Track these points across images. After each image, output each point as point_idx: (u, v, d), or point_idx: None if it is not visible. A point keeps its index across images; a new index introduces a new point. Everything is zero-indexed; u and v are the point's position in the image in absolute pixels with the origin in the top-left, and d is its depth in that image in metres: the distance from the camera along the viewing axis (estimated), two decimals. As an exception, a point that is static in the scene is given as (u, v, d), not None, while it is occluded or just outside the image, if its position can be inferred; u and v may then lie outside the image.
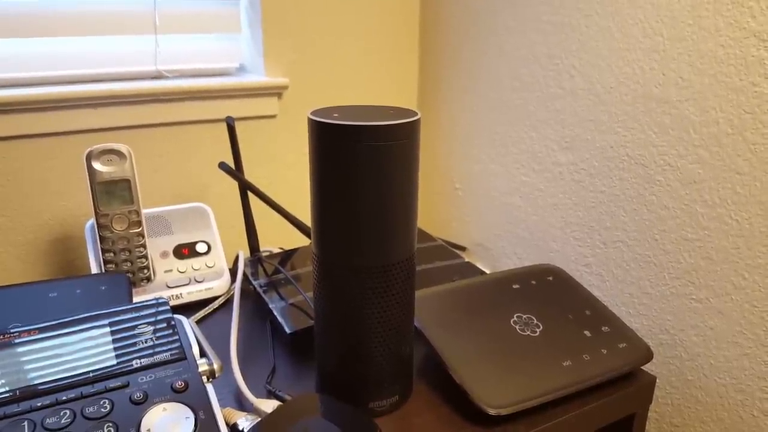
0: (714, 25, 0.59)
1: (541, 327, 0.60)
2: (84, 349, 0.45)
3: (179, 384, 0.44)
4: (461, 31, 0.90)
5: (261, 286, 0.70)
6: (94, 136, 0.78)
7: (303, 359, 0.63)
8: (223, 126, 0.86)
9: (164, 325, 0.48)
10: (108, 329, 0.47)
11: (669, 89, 0.64)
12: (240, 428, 0.50)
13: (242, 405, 0.56)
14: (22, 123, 0.72)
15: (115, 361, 0.44)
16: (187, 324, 0.50)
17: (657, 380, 0.71)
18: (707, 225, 0.63)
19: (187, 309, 0.72)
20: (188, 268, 0.74)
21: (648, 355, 0.59)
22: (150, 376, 0.44)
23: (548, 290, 0.65)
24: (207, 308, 0.72)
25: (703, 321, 0.65)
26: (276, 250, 0.82)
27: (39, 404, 0.41)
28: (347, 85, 0.95)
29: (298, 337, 0.62)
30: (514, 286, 0.65)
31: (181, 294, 0.72)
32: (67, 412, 0.41)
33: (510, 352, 0.56)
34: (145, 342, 0.46)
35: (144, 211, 0.74)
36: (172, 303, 0.72)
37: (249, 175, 0.90)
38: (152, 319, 0.48)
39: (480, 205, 0.93)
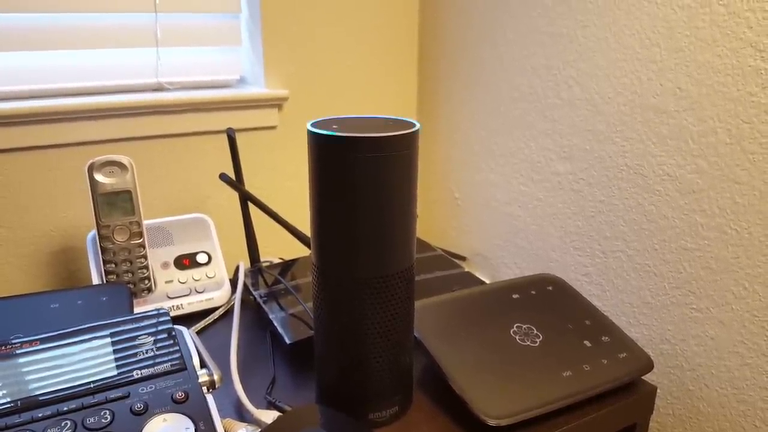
0: (711, 35, 0.59)
1: (541, 337, 0.60)
2: (85, 360, 0.45)
3: (179, 395, 0.44)
4: (460, 41, 0.91)
5: (261, 297, 0.70)
6: (96, 147, 0.78)
7: (303, 370, 0.63)
8: (224, 137, 0.87)
9: (165, 335, 0.48)
10: (109, 340, 0.47)
11: (667, 99, 0.64)
12: (240, 439, 0.50)
13: (242, 416, 0.56)
14: (25, 135, 0.73)
15: (115, 372, 0.45)
16: (188, 334, 0.50)
17: (658, 390, 0.70)
18: (707, 234, 0.63)
19: (188, 319, 0.72)
20: (189, 279, 0.74)
21: (649, 365, 0.59)
22: (150, 387, 0.44)
23: (548, 300, 0.66)
24: (207, 319, 0.72)
25: (703, 331, 0.65)
26: (276, 261, 0.82)
27: (40, 415, 0.41)
28: (347, 97, 0.96)
29: (298, 348, 0.62)
30: (514, 296, 0.65)
31: (181, 304, 0.72)
32: (68, 422, 0.41)
33: (510, 363, 0.56)
34: (146, 353, 0.47)
35: (145, 222, 0.74)
36: (173, 313, 0.72)
37: (249, 186, 0.90)
38: (153, 330, 0.49)
39: (479, 215, 0.93)
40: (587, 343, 0.60)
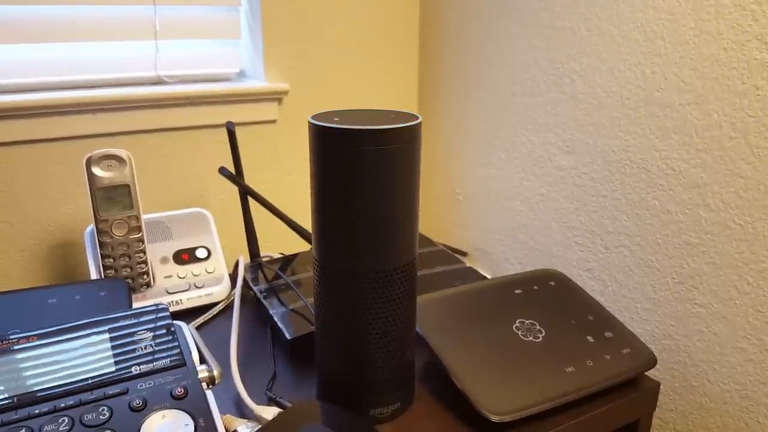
0: (716, 28, 0.59)
1: (544, 333, 0.60)
2: (83, 356, 0.45)
3: (179, 391, 0.43)
4: (461, 35, 0.90)
5: (261, 292, 0.70)
6: (94, 141, 0.77)
7: (303, 365, 0.63)
8: (224, 131, 0.86)
9: (164, 331, 0.48)
10: (107, 335, 0.46)
11: (671, 93, 0.64)
12: (240, 435, 0.50)
13: (242, 412, 0.55)
14: (22, 128, 0.72)
15: (114, 368, 0.44)
16: (187, 330, 0.50)
17: (661, 386, 0.70)
18: (710, 229, 0.63)
19: (187, 315, 0.72)
20: (188, 274, 0.74)
21: (652, 361, 0.59)
22: (149, 383, 0.44)
23: (550, 295, 0.65)
24: (207, 314, 0.72)
25: (707, 326, 0.64)
26: (276, 256, 0.82)
27: (37, 411, 0.41)
28: (347, 90, 0.95)
29: (299, 343, 0.62)
30: (516, 292, 0.65)
31: (180, 300, 0.72)
32: (66, 419, 0.40)
33: (512, 358, 0.56)
34: (145, 348, 0.46)
35: (144, 217, 0.73)
36: (172, 309, 0.71)
37: (249, 181, 0.90)
38: (152, 325, 0.48)
39: (481, 210, 0.93)
40: (590, 338, 0.60)
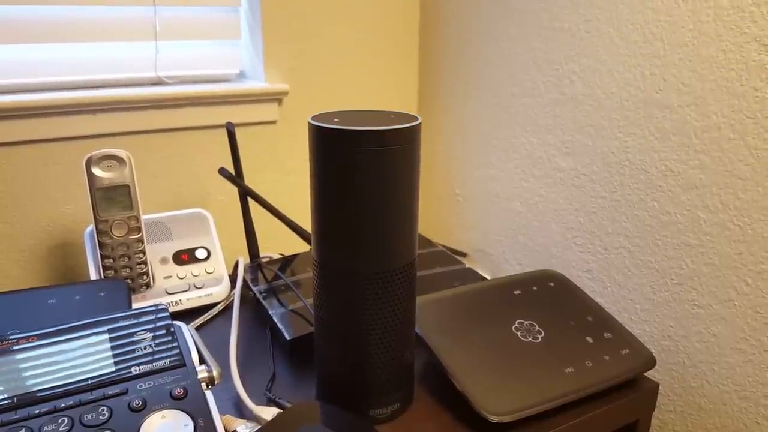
0: (714, 30, 0.59)
1: (543, 333, 0.60)
2: (83, 356, 0.45)
3: (178, 391, 0.43)
4: (461, 36, 0.90)
5: (261, 293, 0.70)
6: (94, 141, 0.77)
7: (303, 366, 0.63)
8: (223, 132, 0.86)
9: (163, 331, 0.48)
10: (107, 336, 0.46)
11: (670, 94, 0.64)
12: (240, 436, 0.50)
13: (242, 412, 0.55)
14: (22, 129, 0.72)
15: (113, 368, 0.44)
16: (187, 330, 0.50)
17: (660, 387, 0.70)
18: (709, 231, 0.63)
19: (187, 315, 0.72)
20: (188, 274, 0.74)
21: (651, 362, 0.59)
22: (149, 383, 0.44)
23: (550, 296, 0.65)
24: (206, 314, 0.72)
25: (706, 327, 0.65)
26: (276, 256, 0.82)
27: (37, 411, 0.41)
28: (347, 91, 0.95)
29: (298, 344, 0.62)
30: (516, 292, 0.65)
31: (180, 300, 0.72)
32: (66, 419, 0.40)
33: (512, 359, 0.56)
34: (144, 349, 0.46)
35: (143, 217, 0.73)
36: (172, 309, 0.71)
37: (249, 181, 0.90)
38: (151, 326, 0.48)
39: (480, 211, 0.93)
40: (589, 339, 0.60)
